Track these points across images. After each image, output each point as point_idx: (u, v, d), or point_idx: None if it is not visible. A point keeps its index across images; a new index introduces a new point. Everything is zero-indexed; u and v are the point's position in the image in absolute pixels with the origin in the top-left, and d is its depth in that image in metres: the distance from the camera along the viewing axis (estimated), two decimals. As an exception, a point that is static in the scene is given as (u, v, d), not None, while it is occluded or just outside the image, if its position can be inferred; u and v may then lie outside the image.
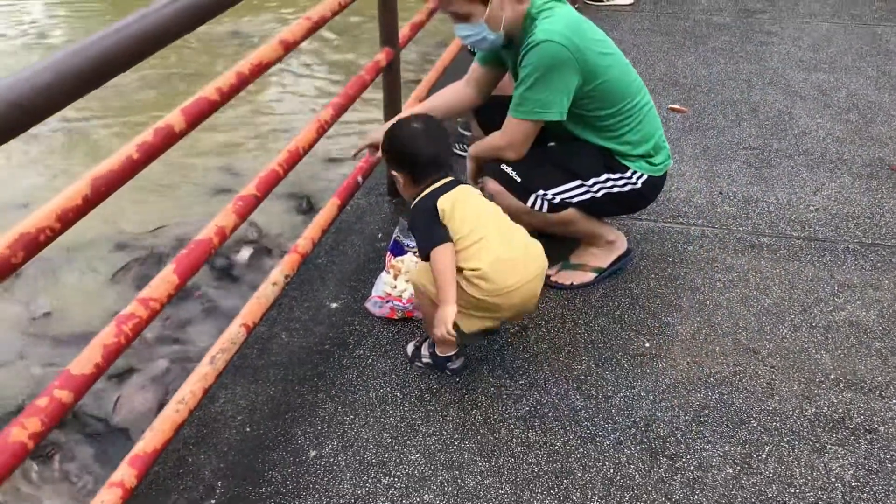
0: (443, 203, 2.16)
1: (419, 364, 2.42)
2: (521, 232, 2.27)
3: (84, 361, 1.56)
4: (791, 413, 2.23)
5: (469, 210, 2.18)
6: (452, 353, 2.36)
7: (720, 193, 3.28)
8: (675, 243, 2.97)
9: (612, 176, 2.55)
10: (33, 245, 1.36)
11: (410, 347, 2.47)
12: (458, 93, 2.78)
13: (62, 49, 1.34)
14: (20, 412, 1.45)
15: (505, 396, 2.30)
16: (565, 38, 2.32)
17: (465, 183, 2.30)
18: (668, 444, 2.14)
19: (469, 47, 3.84)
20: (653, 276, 2.79)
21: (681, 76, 4.41)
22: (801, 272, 2.81)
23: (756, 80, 4.30)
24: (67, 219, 1.43)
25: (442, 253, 2.11)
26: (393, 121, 2.46)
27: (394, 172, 2.29)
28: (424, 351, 2.41)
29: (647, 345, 2.48)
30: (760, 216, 3.13)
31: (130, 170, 1.59)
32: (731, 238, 3.00)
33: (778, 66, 4.52)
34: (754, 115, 3.96)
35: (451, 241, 2.13)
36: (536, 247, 2.26)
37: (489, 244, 2.15)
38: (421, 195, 2.22)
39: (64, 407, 1.49)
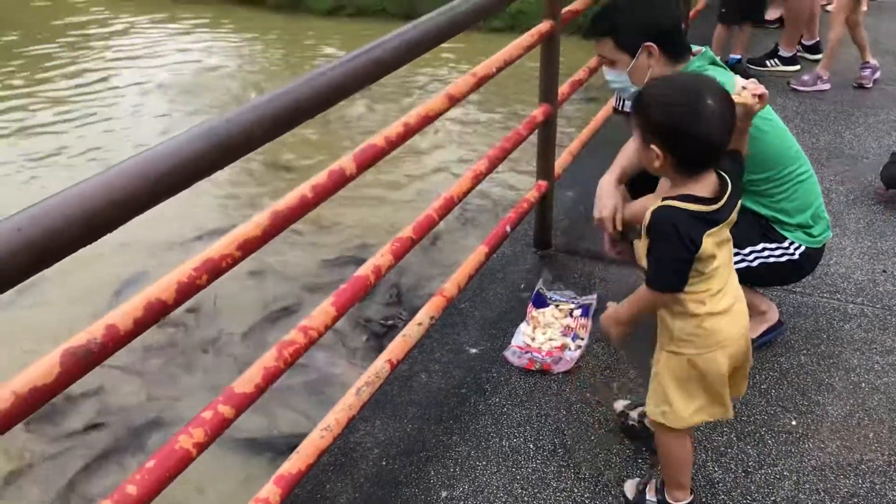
0: (709, 244, 1.71)
1: None
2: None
3: (246, 381, 1.68)
4: (952, 513, 2.08)
5: (724, 258, 1.79)
6: (689, 500, 2.02)
7: (883, 272, 3.12)
8: (830, 320, 2.84)
9: (769, 245, 2.48)
10: (216, 269, 1.50)
11: (631, 488, 2.13)
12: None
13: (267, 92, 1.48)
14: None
15: (640, 460, 2.26)
16: None
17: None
18: (810, 529, 2.04)
19: (617, 106, 3.88)
20: (804, 351, 2.68)
21: (847, 147, 4.24)
22: (972, 363, 2.62)
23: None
24: (247, 247, 1.57)
25: (662, 299, 1.79)
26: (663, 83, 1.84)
27: (651, 146, 1.71)
28: (651, 496, 2.07)
29: (794, 423, 2.38)
30: (928, 299, 2.95)
31: (304, 207, 1.72)
32: (894, 319, 2.84)
33: (956, 142, 4.27)
34: (926, 191, 3.74)
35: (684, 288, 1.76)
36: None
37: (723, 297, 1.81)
38: (681, 198, 1.71)
39: (225, 421, 1.60)
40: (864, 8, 5.00)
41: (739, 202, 1.78)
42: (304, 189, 1.74)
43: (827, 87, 5.02)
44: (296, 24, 9.28)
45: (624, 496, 2.13)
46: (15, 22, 9.41)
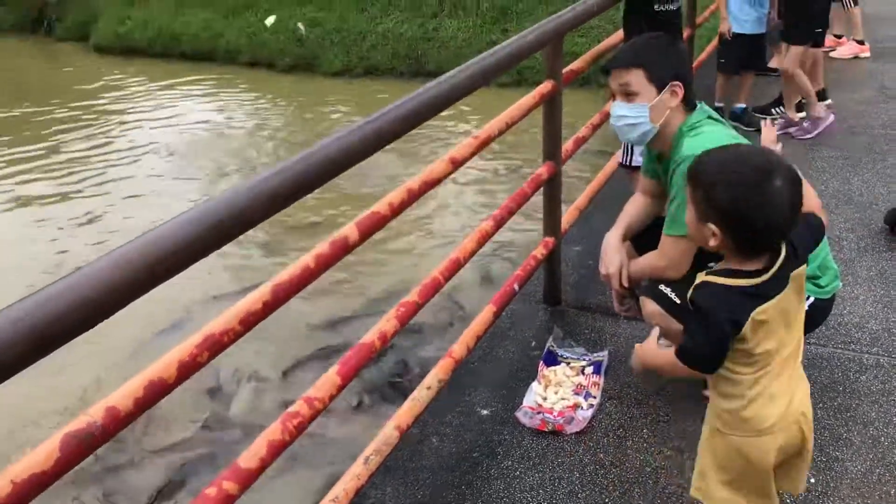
0: (755, 322, 1.60)
1: None
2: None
3: (251, 456, 1.67)
4: (980, 573, 2.01)
5: (782, 338, 1.66)
6: None
7: (898, 320, 3.09)
8: (845, 371, 2.80)
9: (777, 299, 2.46)
10: (218, 346, 1.50)
11: None
12: (643, 202, 2.77)
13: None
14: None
15: (655, 523, 2.22)
16: None
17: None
18: None
19: (623, 161, 3.87)
20: (820, 405, 2.64)
21: (856, 193, 4.23)
22: None
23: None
24: (249, 322, 1.57)
25: (688, 371, 1.70)
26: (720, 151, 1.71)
27: (709, 224, 1.61)
28: None
29: (813, 481, 2.33)
30: (945, 347, 2.91)
31: (307, 278, 1.72)
32: (911, 370, 2.80)
33: (966, 186, 4.25)
34: (939, 237, 3.72)
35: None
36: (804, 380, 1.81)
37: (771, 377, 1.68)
38: (725, 273, 1.63)
39: (230, 498, 1.59)
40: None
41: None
42: (306, 260, 1.75)
43: (831, 118, 5.01)
44: (305, 84, 9.44)
45: None
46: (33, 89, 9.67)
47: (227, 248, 1.38)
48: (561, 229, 3.31)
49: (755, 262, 1.62)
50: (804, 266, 1.68)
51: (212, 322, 1.54)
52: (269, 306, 1.62)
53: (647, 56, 2.44)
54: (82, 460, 1.25)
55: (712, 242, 1.62)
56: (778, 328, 1.64)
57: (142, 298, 1.20)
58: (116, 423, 1.30)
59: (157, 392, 1.37)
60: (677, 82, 2.40)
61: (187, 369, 1.43)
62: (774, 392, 1.68)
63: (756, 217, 1.54)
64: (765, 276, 1.60)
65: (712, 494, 1.78)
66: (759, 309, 1.59)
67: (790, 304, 1.66)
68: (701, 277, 1.65)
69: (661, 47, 2.47)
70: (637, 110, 2.45)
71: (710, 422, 1.79)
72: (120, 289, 1.15)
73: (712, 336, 1.61)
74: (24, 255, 5.40)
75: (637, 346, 1.91)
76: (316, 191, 1.60)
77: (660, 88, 2.41)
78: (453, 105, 2.22)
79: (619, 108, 2.48)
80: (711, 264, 2.61)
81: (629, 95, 2.45)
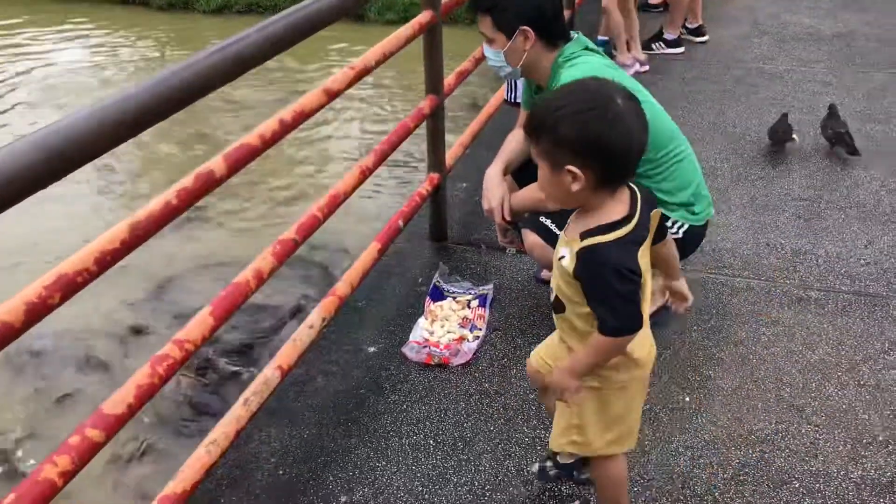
0: (644, 260, 1.59)
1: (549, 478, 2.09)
2: None
3: (117, 401, 1.59)
4: (836, 475, 2.15)
5: (646, 272, 1.63)
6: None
7: (767, 245, 3.22)
8: (718, 295, 2.91)
9: (653, 226, 2.52)
10: (71, 286, 1.40)
11: (535, 468, 2.13)
12: (523, 136, 2.77)
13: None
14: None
15: (539, 447, 2.26)
16: None
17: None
18: (705, 502, 2.07)
19: (508, 97, 3.90)
20: (695, 327, 2.74)
21: (730, 125, 4.37)
22: (850, 328, 2.72)
23: (808, 130, 4.22)
24: (105, 262, 1.47)
25: (626, 341, 1.60)
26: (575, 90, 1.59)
27: (566, 168, 1.51)
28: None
29: (687, 399, 2.43)
30: (809, 269, 3.06)
31: (169, 215, 1.63)
32: (778, 291, 2.93)
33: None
34: (805, 165, 3.89)
35: None
36: None
37: None
38: (601, 231, 1.54)
39: (95, 446, 1.51)
40: None
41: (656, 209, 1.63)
42: (168, 196, 1.65)
43: (645, 68, 5.13)
44: (182, 22, 8.98)
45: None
46: None
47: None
48: (446, 165, 3.28)
49: (619, 209, 1.56)
50: (659, 209, 1.64)
51: (65, 261, 1.43)
52: (128, 245, 1.52)
53: (495, 1, 2.42)
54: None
55: (575, 187, 1.51)
56: (646, 271, 1.62)
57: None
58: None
59: (1, 337, 1.27)
60: (526, 27, 2.41)
61: (37, 312, 1.33)
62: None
63: (610, 138, 1.47)
64: (634, 221, 1.55)
65: (592, 443, 1.75)
66: (639, 253, 1.57)
67: (648, 245, 1.63)
68: (578, 245, 1.54)
69: None
70: (495, 55, 2.51)
71: (587, 383, 1.68)
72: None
73: (624, 292, 1.52)
74: None
75: (556, 371, 1.69)
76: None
77: (509, 35, 2.43)
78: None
79: (486, 51, 2.55)
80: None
81: (487, 40, 2.48)
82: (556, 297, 1.67)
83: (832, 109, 4.05)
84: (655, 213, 1.64)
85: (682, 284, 1.91)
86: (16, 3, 9.52)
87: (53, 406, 3.32)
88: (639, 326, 1.56)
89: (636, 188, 1.62)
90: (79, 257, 1.44)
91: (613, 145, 1.48)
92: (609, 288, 1.52)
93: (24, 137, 1.19)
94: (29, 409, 3.31)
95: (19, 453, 3.08)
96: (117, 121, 1.32)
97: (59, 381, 3.45)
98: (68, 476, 1.46)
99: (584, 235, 1.54)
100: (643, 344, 1.68)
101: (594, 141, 1.47)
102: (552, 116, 1.50)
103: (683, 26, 5.63)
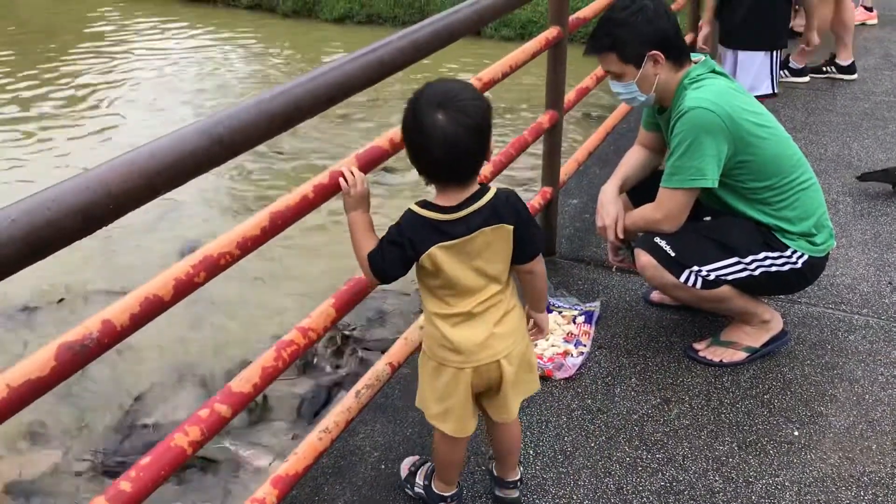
0: (439, 258, 1.77)
1: (409, 491, 2.17)
2: None
3: (244, 380, 1.68)
4: (955, 527, 2.05)
5: (473, 283, 1.82)
6: (450, 493, 2.08)
7: (889, 283, 3.10)
8: (835, 331, 2.82)
9: (771, 254, 2.47)
10: (214, 267, 1.50)
11: (406, 466, 2.23)
12: (642, 155, 2.78)
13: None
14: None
15: (640, 468, 2.25)
16: (715, 105, 2.31)
17: None
18: (811, 540, 2.02)
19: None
20: (808, 362, 2.66)
21: (854, 158, 4.22)
22: (977, 376, 2.60)
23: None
24: (246, 246, 1.57)
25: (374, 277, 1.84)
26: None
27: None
28: (419, 480, 2.16)
29: (796, 433, 2.36)
30: (934, 312, 2.93)
31: (305, 207, 1.71)
32: (899, 332, 2.82)
33: (965, 156, 4.25)
34: (935, 204, 3.72)
35: None
36: None
37: None
38: (422, 203, 1.73)
39: (222, 420, 1.60)
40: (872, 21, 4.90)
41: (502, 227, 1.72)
42: (304, 189, 1.74)
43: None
44: (304, 29, 9.33)
45: (398, 473, 2.21)
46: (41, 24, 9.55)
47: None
48: (559, 180, 3.30)
49: (449, 200, 1.69)
50: (503, 228, 1.71)
51: (209, 243, 1.53)
52: (267, 232, 1.62)
53: (616, 36, 2.42)
54: (76, 371, 1.26)
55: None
56: (463, 269, 1.72)
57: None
58: (111, 337, 1.30)
59: (153, 308, 1.37)
60: (654, 51, 2.39)
61: (184, 288, 1.43)
62: (468, 333, 1.77)
63: (412, 142, 1.64)
64: (453, 215, 1.67)
65: (427, 407, 1.92)
66: (441, 244, 1.68)
67: (478, 254, 1.72)
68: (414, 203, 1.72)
69: (627, 20, 2.40)
70: (626, 88, 2.49)
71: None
72: (119, 197, 1.14)
73: (390, 252, 1.72)
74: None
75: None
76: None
77: (638, 64, 2.42)
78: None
79: (614, 87, 2.55)
80: (707, 218, 2.63)
81: (615, 76, 2.48)
82: None
83: None
84: (499, 229, 1.71)
85: (542, 318, 2.00)
86: (148, 4, 10.09)
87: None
88: (377, 274, 1.76)
89: (502, 206, 1.71)
90: (223, 241, 1.54)
91: (413, 149, 1.66)
92: (389, 234, 1.73)
93: (191, 124, 1.28)
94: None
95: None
96: (273, 114, 1.40)
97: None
98: (196, 446, 1.55)
99: (416, 203, 1.71)
100: (467, 336, 1.77)
101: (405, 138, 1.68)
102: (409, 102, 1.65)
103: (833, 62, 5.41)
